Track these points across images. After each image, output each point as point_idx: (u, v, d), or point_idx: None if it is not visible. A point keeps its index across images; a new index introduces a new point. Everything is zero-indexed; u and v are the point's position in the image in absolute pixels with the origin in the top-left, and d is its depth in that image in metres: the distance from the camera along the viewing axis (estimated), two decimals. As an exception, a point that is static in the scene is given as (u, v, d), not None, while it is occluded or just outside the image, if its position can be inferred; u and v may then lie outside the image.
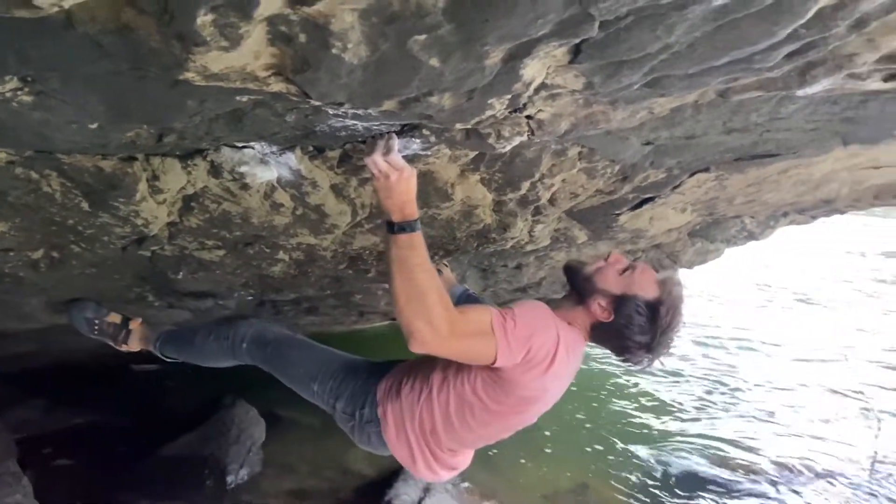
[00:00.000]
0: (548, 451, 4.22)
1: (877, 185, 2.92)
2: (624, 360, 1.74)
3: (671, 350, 1.72)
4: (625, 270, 1.74)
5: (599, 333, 1.75)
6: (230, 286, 2.48)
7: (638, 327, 1.67)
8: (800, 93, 1.47)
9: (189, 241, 2.00)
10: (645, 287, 1.69)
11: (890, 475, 4.17)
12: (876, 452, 4.18)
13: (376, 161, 1.46)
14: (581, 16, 0.98)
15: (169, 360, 2.43)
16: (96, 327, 2.42)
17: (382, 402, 1.84)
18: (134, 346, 2.47)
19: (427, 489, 3.55)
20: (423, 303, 1.45)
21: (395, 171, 1.46)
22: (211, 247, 2.07)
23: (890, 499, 3.99)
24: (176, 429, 3.87)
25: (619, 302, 1.70)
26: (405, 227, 1.48)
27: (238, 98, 1.22)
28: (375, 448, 1.90)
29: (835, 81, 1.45)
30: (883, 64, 1.40)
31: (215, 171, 1.66)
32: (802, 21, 1.08)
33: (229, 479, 3.61)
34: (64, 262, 1.95)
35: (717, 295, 7.54)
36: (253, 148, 1.62)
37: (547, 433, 4.37)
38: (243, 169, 1.66)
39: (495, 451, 4.04)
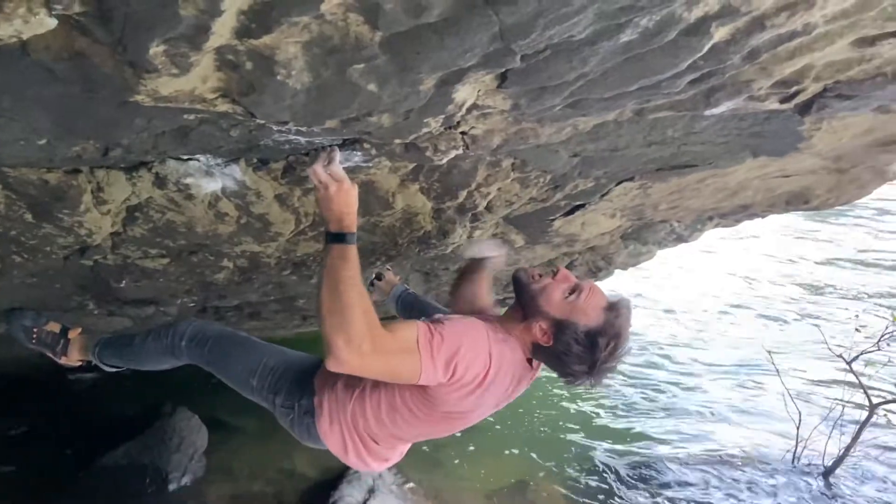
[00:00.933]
0: (491, 448, 4.32)
1: (787, 192, 3.15)
2: (565, 382, 1.70)
3: (613, 374, 1.69)
4: (571, 292, 1.67)
5: (540, 355, 1.71)
6: (173, 293, 2.51)
7: (576, 357, 1.62)
8: (706, 113, 1.62)
9: (132, 250, 2.03)
10: (588, 313, 1.62)
11: (810, 463, 4.43)
12: (798, 441, 4.44)
13: (318, 172, 1.52)
14: (504, 50, 1.09)
15: (108, 367, 2.36)
16: (34, 336, 2.37)
17: (319, 392, 1.83)
18: (73, 357, 2.41)
19: (371, 490, 3.62)
20: (344, 317, 1.41)
21: (335, 182, 1.52)
22: (154, 255, 2.11)
23: (810, 483, 4.26)
24: (115, 438, 3.82)
25: (560, 327, 1.64)
26: (340, 238, 1.52)
27: (185, 116, 1.29)
28: (314, 441, 1.89)
29: (737, 103, 1.60)
30: (777, 88, 1.56)
31: (160, 182, 1.71)
32: (700, 54, 1.21)
33: (171, 487, 3.60)
34: (4, 273, 1.96)
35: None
36: (198, 160, 1.68)
37: (489, 433, 4.48)
38: (188, 180, 1.72)
39: (439, 449, 4.14)
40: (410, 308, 2.49)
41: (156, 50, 0.98)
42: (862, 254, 9.62)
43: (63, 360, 2.41)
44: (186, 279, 2.34)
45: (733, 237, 8.88)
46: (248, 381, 1.99)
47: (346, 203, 1.54)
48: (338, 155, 1.57)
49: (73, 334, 2.40)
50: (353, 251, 1.52)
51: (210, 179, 1.75)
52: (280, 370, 1.95)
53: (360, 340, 1.41)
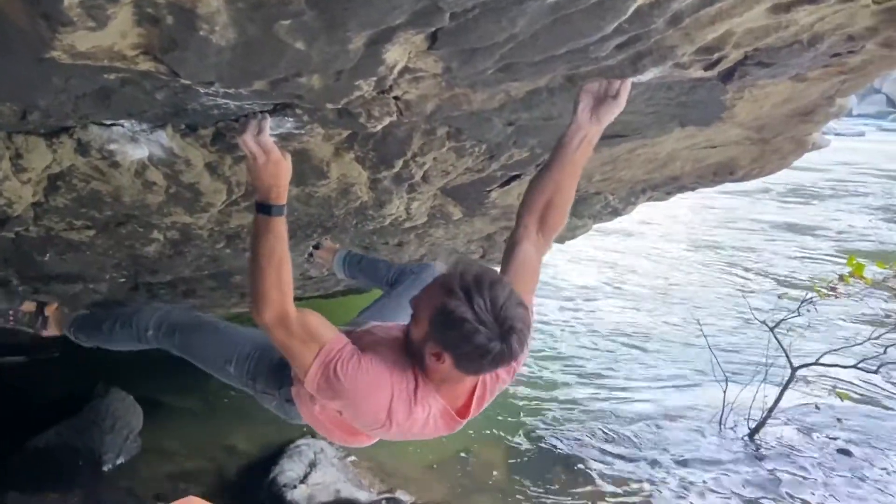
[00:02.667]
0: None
1: (714, 163, 3.27)
2: (491, 365, 1.50)
3: (527, 326, 1.47)
4: (414, 313, 1.57)
5: (456, 375, 1.57)
6: (101, 268, 2.44)
7: (464, 339, 1.43)
8: (634, 80, 1.66)
9: (56, 221, 1.96)
10: (429, 306, 1.49)
11: (736, 425, 4.65)
12: (725, 404, 4.64)
13: (247, 142, 1.50)
14: (432, 7, 1.10)
15: (84, 344, 2.40)
16: (11, 318, 2.41)
17: (296, 381, 1.79)
18: (52, 331, 2.45)
19: (313, 464, 3.61)
20: (256, 285, 1.52)
21: (264, 154, 1.50)
22: (80, 227, 2.04)
23: (735, 444, 4.47)
24: (46, 421, 3.70)
25: (432, 337, 1.50)
26: (266, 209, 1.53)
27: (105, 76, 1.25)
28: (301, 421, 1.90)
29: (663, 70, 1.64)
30: (701, 55, 1.62)
31: (83, 149, 1.65)
32: (625, 17, 1.24)
33: (105, 468, 3.52)
34: (-84, 246, 1.87)
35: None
36: (122, 126, 1.63)
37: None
38: (112, 147, 1.66)
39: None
40: (359, 266, 2.50)
41: (70, 1, 0.94)
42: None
43: (45, 334, 2.47)
44: (115, 252, 2.28)
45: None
46: (224, 368, 2.00)
47: (275, 175, 1.53)
48: (268, 124, 1.54)
49: (49, 310, 2.44)
50: (277, 223, 1.54)
51: (135, 146, 1.70)
52: (256, 356, 1.94)
53: (265, 310, 1.51)
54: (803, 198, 12.84)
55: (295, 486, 3.38)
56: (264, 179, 1.52)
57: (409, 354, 1.60)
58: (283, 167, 1.54)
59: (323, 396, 1.60)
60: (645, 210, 4.35)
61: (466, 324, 1.41)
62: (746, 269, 8.34)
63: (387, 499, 3.49)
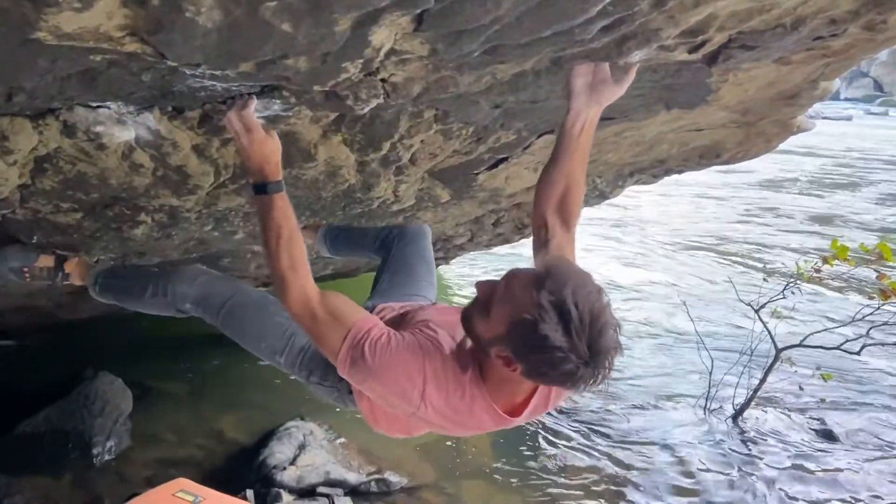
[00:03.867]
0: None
1: (700, 146, 3.29)
2: (575, 391, 1.37)
3: (619, 352, 1.29)
4: (486, 302, 1.37)
5: (522, 381, 1.43)
6: (88, 251, 2.43)
7: (547, 362, 1.26)
8: (620, 63, 1.67)
9: (43, 203, 1.95)
10: (517, 305, 1.27)
11: (721, 406, 4.71)
12: (710, 386, 4.70)
13: (232, 121, 1.51)
14: (417, -12, 1.10)
15: (106, 301, 2.31)
16: (27, 275, 2.28)
17: None
18: (76, 282, 2.37)
19: (302, 446, 3.64)
20: (272, 267, 1.50)
21: (247, 133, 1.50)
22: (67, 209, 2.03)
23: (719, 426, 4.53)
24: (34, 405, 3.71)
25: (507, 343, 1.31)
26: (261, 188, 1.52)
27: (91, 57, 1.24)
28: None
29: (648, 53, 1.66)
30: (685, 38, 1.63)
31: (69, 131, 1.64)
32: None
33: (95, 451, 3.53)
34: None
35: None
36: (109, 108, 1.62)
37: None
38: (99, 129, 1.66)
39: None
40: (342, 238, 2.48)
41: (55, -19, 0.95)
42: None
43: (66, 283, 2.38)
44: (102, 234, 2.28)
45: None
46: (273, 357, 1.92)
47: (263, 153, 1.52)
48: (253, 103, 1.55)
49: (69, 267, 2.34)
50: (277, 201, 1.52)
51: (122, 128, 1.69)
52: (310, 348, 1.85)
53: (285, 294, 1.48)
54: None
55: (284, 468, 3.41)
56: (254, 158, 1.52)
57: (468, 342, 1.48)
58: (270, 144, 1.53)
59: (355, 381, 1.52)
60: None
61: (557, 352, 1.23)
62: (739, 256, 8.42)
63: (376, 480, 3.53)
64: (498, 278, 1.39)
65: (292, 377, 1.94)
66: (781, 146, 3.52)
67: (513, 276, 1.35)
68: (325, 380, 1.84)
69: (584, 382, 1.28)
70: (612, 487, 3.81)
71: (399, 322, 1.75)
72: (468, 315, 1.44)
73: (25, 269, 2.27)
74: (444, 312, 1.76)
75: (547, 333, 1.22)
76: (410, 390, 1.44)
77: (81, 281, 2.36)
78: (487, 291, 1.38)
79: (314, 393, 1.93)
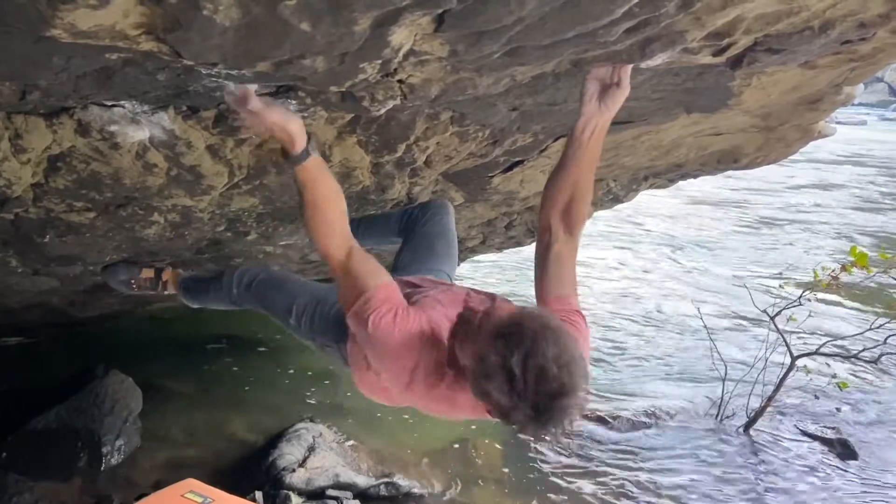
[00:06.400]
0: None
1: (718, 151, 3.25)
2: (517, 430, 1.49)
3: (576, 411, 1.29)
4: (461, 327, 1.47)
5: None
6: (101, 250, 2.43)
7: (496, 404, 1.31)
8: (642, 65, 1.64)
9: (56, 202, 1.94)
10: (482, 347, 1.33)
11: (734, 413, 4.65)
12: (724, 394, 4.64)
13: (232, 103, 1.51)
14: (440, -12, 1.08)
15: (192, 304, 2.56)
16: (134, 286, 2.61)
17: (349, 339, 1.79)
18: (172, 290, 2.63)
19: (312, 448, 3.61)
20: (310, 224, 1.62)
21: (248, 110, 1.49)
22: (80, 209, 2.02)
23: (731, 436, 4.47)
24: (45, 402, 3.70)
25: (471, 374, 1.37)
26: (291, 160, 1.58)
27: (107, 55, 1.23)
28: None
29: (671, 55, 1.62)
30: (710, 40, 1.59)
31: (83, 129, 1.63)
32: (636, 0, 1.22)
33: (105, 450, 3.51)
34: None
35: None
36: (123, 107, 1.61)
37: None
38: (113, 128, 1.65)
39: (381, 410, 4.16)
40: (361, 230, 2.51)
41: (71, -23, 0.92)
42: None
43: (166, 293, 2.67)
44: (115, 234, 2.26)
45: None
46: (287, 321, 2.07)
47: (269, 129, 1.54)
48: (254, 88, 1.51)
49: (166, 275, 2.63)
50: (307, 168, 1.58)
51: (136, 127, 1.68)
52: (312, 308, 1.99)
53: (321, 244, 1.63)
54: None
55: (293, 470, 3.39)
56: (275, 135, 1.55)
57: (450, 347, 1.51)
58: (275, 114, 1.52)
59: (358, 338, 1.62)
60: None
61: (502, 406, 1.29)
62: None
63: (385, 483, 3.50)
64: (482, 306, 1.49)
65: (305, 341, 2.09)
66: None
67: (487, 316, 1.41)
68: (326, 341, 1.95)
69: (534, 433, 1.35)
70: (622, 495, 3.76)
71: (410, 295, 1.77)
72: (454, 332, 1.50)
73: (133, 281, 2.61)
74: (452, 297, 1.78)
75: (491, 391, 1.29)
76: (400, 372, 1.54)
77: (175, 289, 2.60)
78: (468, 319, 1.46)
79: (326, 355, 2.03)
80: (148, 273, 2.60)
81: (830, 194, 12.30)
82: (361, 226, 2.64)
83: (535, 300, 1.71)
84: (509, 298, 1.79)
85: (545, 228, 1.72)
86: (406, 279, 1.96)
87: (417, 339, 1.52)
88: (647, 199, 7.92)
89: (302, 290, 2.07)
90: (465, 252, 4.79)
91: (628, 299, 6.78)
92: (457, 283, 2.13)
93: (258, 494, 3.23)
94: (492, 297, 1.78)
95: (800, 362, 4.45)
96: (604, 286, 7.09)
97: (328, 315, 1.94)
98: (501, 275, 6.90)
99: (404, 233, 2.44)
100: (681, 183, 4.34)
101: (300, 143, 1.56)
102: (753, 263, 8.17)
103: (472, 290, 1.84)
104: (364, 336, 1.55)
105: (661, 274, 7.68)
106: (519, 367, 1.25)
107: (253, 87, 1.50)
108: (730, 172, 4.06)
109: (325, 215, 1.62)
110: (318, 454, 3.54)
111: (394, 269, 2.19)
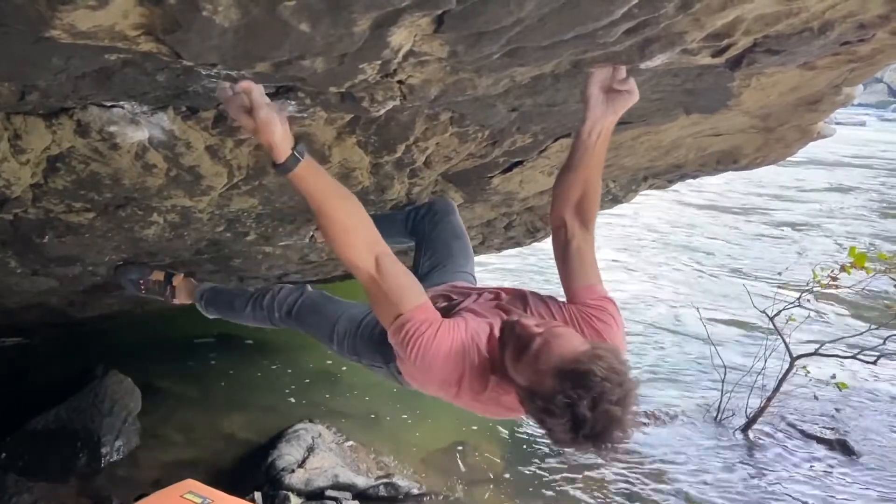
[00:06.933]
0: (431, 411, 4.34)
1: (718, 151, 3.25)
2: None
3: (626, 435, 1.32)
4: (520, 349, 1.43)
5: None
6: (100, 250, 2.42)
7: (549, 429, 1.38)
8: (642, 66, 1.64)
9: (55, 203, 1.94)
10: (539, 374, 1.36)
11: (733, 414, 4.65)
12: (721, 397, 4.64)
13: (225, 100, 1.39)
14: (439, -11, 1.08)
15: (210, 316, 2.57)
16: (143, 287, 2.62)
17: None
18: (182, 299, 2.64)
19: (311, 448, 3.61)
20: (324, 231, 1.56)
21: (246, 115, 1.37)
22: (79, 209, 2.02)
23: (728, 438, 4.47)
24: (44, 402, 3.70)
25: (526, 398, 1.42)
26: (278, 170, 1.45)
27: (106, 56, 1.23)
28: None
29: (671, 56, 1.62)
30: (709, 41, 1.59)
31: (82, 130, 1.63)
32: (635, 1, 1.22)
33: (104, 451, 3.51)
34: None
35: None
36: (123, 107, 1.60)
37: (427, 398, 4.49)
38: (112, 129, 1.65)
39: (380, 411, 4.17)
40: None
41: (70, -22, 0.92)
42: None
43: (175, 303, 2.67)
44: (114, 235, 2.26)
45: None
46: (330, 346, 2.07)
47: (257, 132, 1.39)
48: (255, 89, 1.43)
49: (177, 281, 2.64)
50: (298, 176, 1.45)
51: (136, 128, 1.68)
52: (352, 333, 1.99)
53: (342, 253, 1.56)
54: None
55: (293, 471, 3.38)
56: (262, 140, 1.41)
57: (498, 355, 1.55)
58: (262, 117, 1.37)
59: (402, 359, 1.63)
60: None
61: (558, 440, 1.37)
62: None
63: (384, 484, 3.50)
64: (537, 326, 1.44)
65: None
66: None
67: (548, 343, 1.38)
68: (373, 362, 1.94)
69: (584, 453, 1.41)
70: (621, 496, 3.76)
71: (447, 310, 1.78)
72: (502, 343, 1.52)
73: (142, 281, 2.62)
74: (486, 304, 1.79)
75: (553, 427, 1.34)
76: (447, 388, 1.59)
77: (189, 298, 2.60)
78: (524, 341, 1.42)
79: (375, 374, 2.01)
80: (158, 276, 2.61)
81: (845, 198, 12.23)
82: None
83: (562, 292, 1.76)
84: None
85: (559, 225, 1.76)
86: (437, 291, 1.95)
87: (461, 352, 1.55)
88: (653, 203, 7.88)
89: (340, 315, 2.05)
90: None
91: (630, 301, 6.78)
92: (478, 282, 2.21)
93: (257, 495, 3.23)
94: (521, 294, 1.81)
95: (799, 363, 4.46)
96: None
97: (371, 337, 1.92)
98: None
99: (413, 234, 2.45)
100: (685, 187, 4.33)
101: (283, 151, 1.41)
102: (762, 270, 8.14)
103: (501, 289, 1.86)
104: (409, 361, 1.57)
105: (667, 279, 7.66)
106: (587, 411, 1.27)
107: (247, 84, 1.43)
108: (740, 177, 4.05)
109: (339, 223, 1.53)
110: (317, 454, 3.54)
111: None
